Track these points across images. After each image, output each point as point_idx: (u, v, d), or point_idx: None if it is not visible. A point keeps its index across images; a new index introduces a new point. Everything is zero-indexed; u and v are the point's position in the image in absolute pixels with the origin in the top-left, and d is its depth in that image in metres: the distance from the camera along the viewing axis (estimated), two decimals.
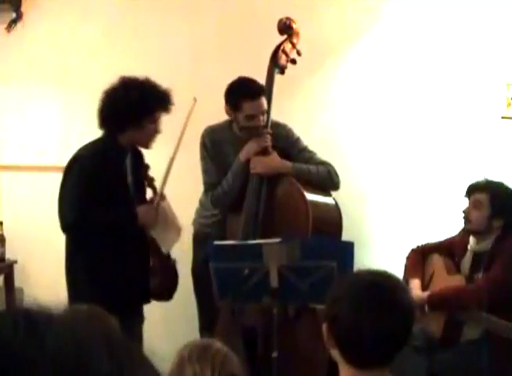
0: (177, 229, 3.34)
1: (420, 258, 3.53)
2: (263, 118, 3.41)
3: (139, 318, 3.31)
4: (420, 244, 3.59)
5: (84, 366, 0.60)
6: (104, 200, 3.08)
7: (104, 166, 3.10)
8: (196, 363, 1.72)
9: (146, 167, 3.31)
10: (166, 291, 3.31)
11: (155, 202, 3.20)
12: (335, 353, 1.69)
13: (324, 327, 1.69)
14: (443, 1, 4.03)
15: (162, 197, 3.24)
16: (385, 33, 4.12)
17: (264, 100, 3.39)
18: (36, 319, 0.62)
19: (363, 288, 1.69)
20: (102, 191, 3.07)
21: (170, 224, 3.27)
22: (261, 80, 3.50)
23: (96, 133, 3.30)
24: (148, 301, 3.33)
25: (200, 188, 3.72)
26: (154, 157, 3.37)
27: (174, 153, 3.28)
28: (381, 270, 1.78)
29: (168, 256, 3.30)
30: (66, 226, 3.07)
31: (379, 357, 1.67)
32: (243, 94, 3.38)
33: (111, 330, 0.66)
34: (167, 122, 3.28)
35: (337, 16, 4.16)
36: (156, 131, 3.19)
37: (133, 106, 3.08)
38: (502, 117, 3.98)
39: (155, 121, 3.16)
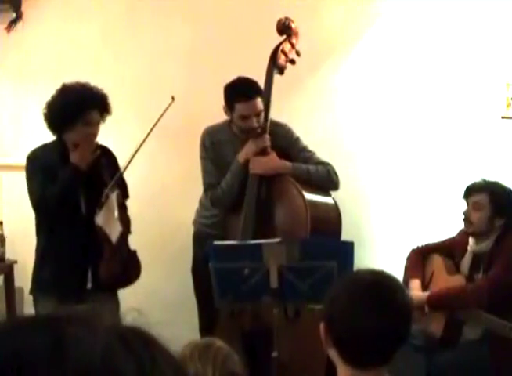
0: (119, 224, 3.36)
1: (420, 258, 3.53)
2: (257, 119, 3.40)
3: (107, 305, 3.30)
4: (420, 245, 3.59)
5: (110, 368, 0.59)
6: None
7: (48, 162, 3.25)
8: (198, 361, 1.72)
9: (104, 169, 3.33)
10: (116, 279, 3.30)
11: (106, 189, 3.23)
12: (333, 353, 1.69)
13: (321, 326, 1.69)
14: (443, 2, 4.03)
15: (112, 189, 3.25)
16: (385, 33, 4.12)
17: (258, 101, 3.38)
18: (59, 330, 0.60)
19: (360, 288, 1.69)
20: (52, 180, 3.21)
21: (114, 216, 3.28)
22: (261, 80, 3.50)
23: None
24: (102, 288, 3.30)
25: (200, 188, 3.72)
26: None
27: (137, 149, 3.31)
28: (379, 270, 1.78)
29: (119, 245, 3.28)
30: (35, 209, 3.28)
31: (376, 357, 1.67)
32: (237, 94, 3.38)
33: (127, 328, 0.65)
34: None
35: (337, 16, 4.16)
36: (89, 134, 3.23)
37: (63, 108, 3.20)
38: (502, 117, 3.98)
39: (88, 123, 3.21)
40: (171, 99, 3.34)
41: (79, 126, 3.19)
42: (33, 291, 3.35)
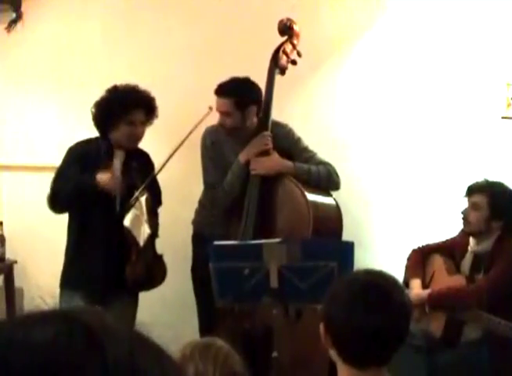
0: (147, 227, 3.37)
1: (420, 258, 3.53)
2: (226, 119, 3.46)
3: (126, 304, 3.32)
4: (420, 245, 3.60)
5: (138, 374, 0.58)
6: None
7: (88, 154, 3.30)
8: (199, 360, 1.72)
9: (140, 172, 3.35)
10: (141, 282, 3.33)
11: (137, 192, 3.25)
12: (333, 353, 1.69)
13: (321, 326, 1.69)
14: (443, 2, 4.03)
15: (143, 192, 3.28)
16: (385, 33, 4.12)
17: (223, 102, 3.45)
18: (93, 329, 0.59)
19: (358, 288, 1.69)
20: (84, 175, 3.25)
21: (143, 219, 3.31)
22: (262, 81, 3.50)
23: (96, 133, 3.40)
24: (128, 290, 3.32)
25: (200, 188, 3.72)
26: (155, 158, 3.48)
27: (170, 156, 3.37)
28: (377, 270, 1.78)
29: (145, 248, 3.31)
30: (47, 200, 3.32)
31: (375, 357, 1.67)
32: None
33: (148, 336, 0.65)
34: (161, 120, 3.39)
35: (337, 16, 4.16)
36: (131, 134, 3.28)
37: (107, 106, 3.27)
38: (503, 117, 3.98)
39: (132, 123, 3.26)
40: (208, 109, 3.43)
41: (123, 125, 3.25)
42: (60, 286, 3.38)
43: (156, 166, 3.43)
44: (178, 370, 0.64)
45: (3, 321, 0.63)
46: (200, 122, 3.43)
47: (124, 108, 3.23)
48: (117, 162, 3.34)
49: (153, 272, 3.39)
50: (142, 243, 3.28)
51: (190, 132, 3.40)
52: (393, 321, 1.65)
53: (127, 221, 3.23)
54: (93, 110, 3.33)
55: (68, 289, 3.33)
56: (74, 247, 3.37)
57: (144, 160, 3.46)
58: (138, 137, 3.34)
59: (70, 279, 3.36)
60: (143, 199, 3.26)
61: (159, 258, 3.44)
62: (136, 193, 3.25)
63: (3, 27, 4.51)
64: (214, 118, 3.64)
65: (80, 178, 3.23)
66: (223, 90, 3.46)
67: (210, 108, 3.43)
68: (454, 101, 4.03)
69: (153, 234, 3.36)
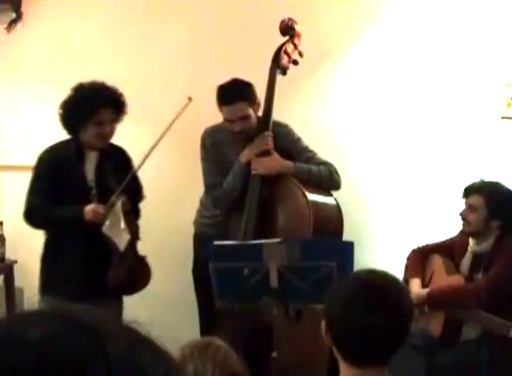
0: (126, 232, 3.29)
1: (420, 258, 3.53)
2: (242, 124, 3.40)
3: (109, 309, 3.24)
4: (420, 245, 3.60)
5: (141, 371, 0.58)
6: (59, 194, 3.20)
7: (59, 161, 3.23)
8: (198, 359, 1.73)
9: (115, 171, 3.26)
10: (123, 286, 3.26)
11: (113, 197, 3.17)
12: (335, 351, 1.70)
13: (322, 324, 1.70)
14: (443, 2, 4.03)
15: (119, 196, 3.18)
16: (385, 33, 4.12)
17: (241, 107, 3.37)
18: (92, 326, 0.59)
19: (359, 287, 1.69)
20: (57, 185, 3.20)
21: (121, 224, 3.22)
22: (263, 81, 3.50)
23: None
24: (109, 294, 3.24)
25: (201, 188, 3.72)
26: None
27: (150, 150, 3.26)
28: (380, 270, 1.78)
29: (126, 252, 3.22)
30: (23, 215, 3.27)
31: (375, 356, 1.67)
32: (220, 98, 3.40)
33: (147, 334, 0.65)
34: (160, 120, 3.31)
35: (338, 16, 4.16)
36: (100, 134, 3.18)
37: (75, 107, 3.15)
38: (502, 117, 3.98)
39: (100, 123, 3.15)
40: (187, 100, 3.31)
41: (91, 126, 3.14)
42: (39, 293, 3.31)
43: (138, 162, 3.31)
44: (177, 368, 0.64)
45: (0, 320, 0.62)
46: (179, 114, 3.29)
47: (92, 108, 3.11)
48: (90, 165, 3.24)
49: (136, 275, 3.30)
50: (122, 248, 3.20)
51: (170, 125, 3.28)
52: (393, 321, 1.65)
53: (105, 227, 3.15)
54: (60, 110, 3.20)
55: (47, 295, 3.23)
56: (52, 253, 3.29)
57: (120, 158, 3.34)
58: (108, 136, 3.22)
59: (48, 285, 3.28)
60: (119, 203, 3.16)
61: (141, 261, 3.35)
62: (112, 198, 3.15)
63: (3, 27, 4.50)
64: (215, 118, 3.64)
65: (66, 212, 3.16)
66: (237, 95, 3.38)
67: (190, 98, 3.31)
68: (454, 101, 4.04)
69: (133, 238, 3.26)
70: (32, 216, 3.25)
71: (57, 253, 3.28)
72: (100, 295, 3.11)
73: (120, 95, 3.21)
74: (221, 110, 3.43)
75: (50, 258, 3.31)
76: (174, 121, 3.29)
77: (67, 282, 3.19)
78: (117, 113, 3.21)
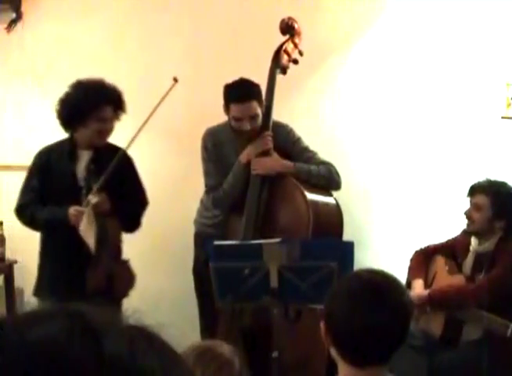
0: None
1: (423, 259, 3.53)
2: (251, 122, 3.39)
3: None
4: (423, 246, 3.60)
5: (140, 371, 0.58)
6: (49, 193, 3.23)
7: (51, 160, 3.24)
8: (192, 363, 1.69)
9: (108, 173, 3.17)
10: (101, 290, 3.12)
11: (90, 195, 3.12)
12: (334, 351, 1.69)
13: (322, 324, 1.70)
14: (443, 2, 4.03)
15: (95, 195, 3.12)
16: (385, 33, 4.12)
17: (253, 105, 3.37)
18: (93, 326, 0.58)
19: (358, 287, 1.69)
20: (48, 184, 3.22)
21: (92, 226, 3.13)
22: (263, 80, 3.49)
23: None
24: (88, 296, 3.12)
25: (201, 188, 3.72)
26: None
27: (134, 136, 3.23)
28: (378, 270, 1.78)
29: (99, 256, 3.13)
30: (14, 211, 3.33)
31: (374, 356, 1.67)
32: (231, 96, 3.39)
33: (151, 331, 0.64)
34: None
35: (338, 16, 4.16)
36: (101, 131, 3.17)
37: (76, 103, 3.14)
38: (502, 117, 3.98)
39: (102, 120, 3.16)
40: (173, 81, 3.27)
41: (92, 122, 3.13)
42: (35, 292, 3.32)
43: (125, 144, 3.26)
44: (182, 367, 0.64)
45: (5, 319, 0.62)
46: (165, 96, 3.23)
47: (95, 103, 3.11)
48: (82, 165, 3.22)
49: (114, 280, 3.18)
50: (92, 249, 3.09)
51: (155, 108, 3.23)
52: (393, 321, 1.65)
53: (81, 226, 3.07)
54: (58, 107, 3.18)
55: (39, 298, 3.22)
56: (42, 253, 3.30)
57: (115, 157, 3.23)
58: (108, 133, 3.22)
59: (40, 287, 3.28)
60: (91, 203, 3.07)
61: (122, 265, 3.26)
62: (89, 197, 3.09)
63: (3, 27, 4.51)
64: (215, 118, 3.63)
65: (51, 213, 3.15)
66: (250, 93, 3.38)
67: (175, 79, 3.26)
68: (454, 101, 4.04)
69: (102, 241, 3.13)
70: (21, 214, 3.29)
71: (46, 253, 3.29)
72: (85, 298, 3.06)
73: (121, 93, 3.22)
74: (228, 108, 3.41)
75: (42, 258, 3.32)
76: (159, 103, 3.24)
77: (53, 286, 3.17)
78: (116, 111, 3.21)
